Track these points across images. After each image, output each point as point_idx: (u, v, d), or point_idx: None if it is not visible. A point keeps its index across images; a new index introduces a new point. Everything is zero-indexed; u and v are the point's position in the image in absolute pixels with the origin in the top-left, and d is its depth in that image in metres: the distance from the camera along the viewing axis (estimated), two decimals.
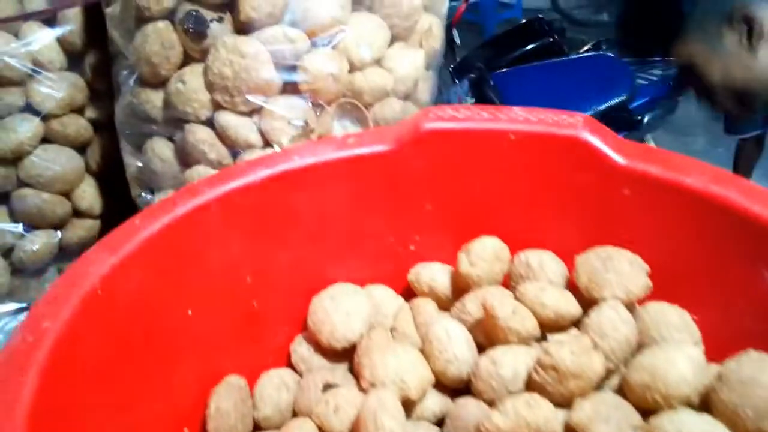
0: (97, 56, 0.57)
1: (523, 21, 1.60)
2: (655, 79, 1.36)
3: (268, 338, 0.46)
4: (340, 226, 0.47)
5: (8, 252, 0.57)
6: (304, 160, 0.44)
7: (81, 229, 0.61)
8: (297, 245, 0.46)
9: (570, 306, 0.38)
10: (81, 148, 0.59)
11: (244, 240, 0.43)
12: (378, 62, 0.51)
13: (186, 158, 0.48)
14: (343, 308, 0.43)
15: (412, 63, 0.54)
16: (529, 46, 1.45)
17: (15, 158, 0.55)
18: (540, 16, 1.59)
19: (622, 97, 1.26)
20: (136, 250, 0.36)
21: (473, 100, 1.30)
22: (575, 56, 1.49)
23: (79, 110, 0.58)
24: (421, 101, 0.57)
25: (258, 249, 0.44)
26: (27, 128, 0.54)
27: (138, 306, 0.36)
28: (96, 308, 0.32)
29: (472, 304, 0.42)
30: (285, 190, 0.44)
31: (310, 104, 0.49)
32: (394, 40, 0.52)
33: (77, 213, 0.60)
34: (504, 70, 1.34)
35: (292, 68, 0.47)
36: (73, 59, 0.57)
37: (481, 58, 1.41)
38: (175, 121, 0.48)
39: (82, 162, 0.59)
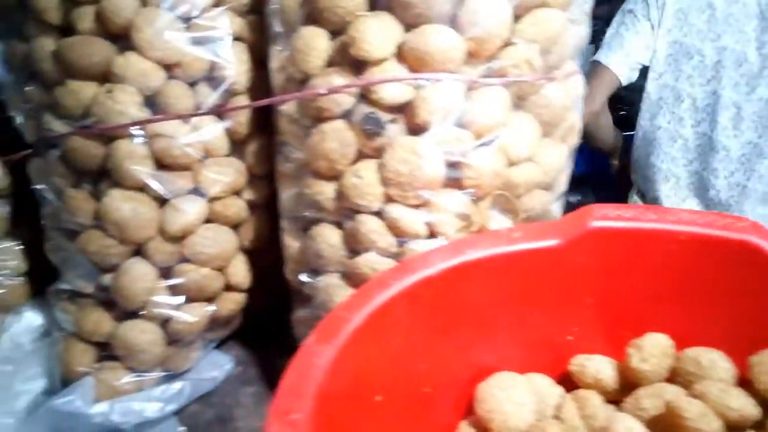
0: (257, 144, 0.62)
1: None
2: None
3: (436, 423, 0.48)
4: (503, 316, 0.49)
5: (165, 323, 0.61)
6: (477, 253, 0.47)
7: (231, 302, 0.64)
8: (464, 334, 0.48)
9: (754, 409, 0.39)
10: (234, 227, 0.63)
11: (422, 329, 0.46)
12: (530, 158, 0.54)
13: (355, 245, 0.52)
14: (514, 399, 0.45)
15: (558, 157, 0.57)
16: None
17: (181, 236, 0.59)
18: None
19: None
20: (348, 341, 0.39)
21: None
22: None
23: (237, 192, 0.62)
24: (559, 191, 0.60)
25: (432, 337, 0.47)
26: (195, 209, 0.59)
27: (350, 393, 0.39)
28: (325, 399, 0.35)
29: (647, 401, 0.43)
30: (458, 282, 0.46)
31: (471, 197, 0.52)
32: (543, 136, 0.55)
33: (228, 287, 0.64)
34: None
35: (457, 164, 0.50)
36: (236, 146, 0.61)
37: None
38: (345, 211, 0.52)
39: (236, 240, 0.63)
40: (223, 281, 0.63)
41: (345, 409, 0.38)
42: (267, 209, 0.66)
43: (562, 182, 0.60)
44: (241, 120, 0.60)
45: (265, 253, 0.66)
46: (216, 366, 0.65)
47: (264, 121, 0.62)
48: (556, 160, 0.57)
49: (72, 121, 0.57)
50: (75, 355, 0.60)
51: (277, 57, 0.57)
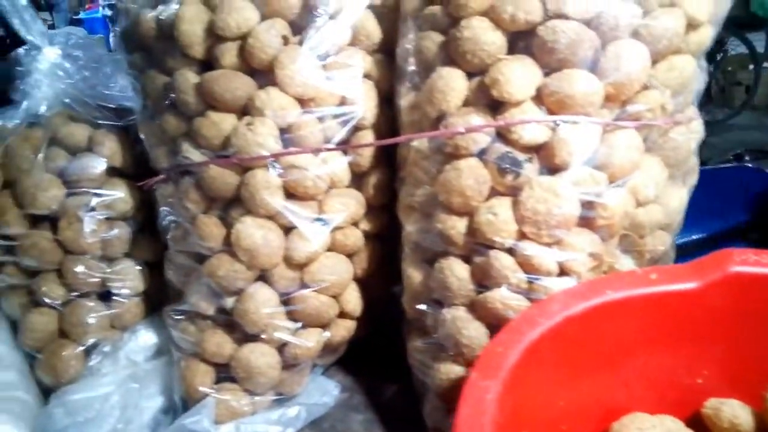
0: (377, 177, 0.64)
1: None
2: None
3: None
4: (636, 356, 0.50)
5: (282, 347, 0.63)
6: (617, 294, 0.48)
7: (343, 329, 0.66)
8: (599, 372, 0.49)
9: None
10: (350, 256, 0.65)
11: (562, 367, 0.47)
12: (656, 199, 0.55)
13: (484, 280, 0.53)
14: None
15: (679, 199, 0.58)
16: None
17: (305, 264, 0.61)
18: None
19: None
20: (508, 377, 0.41)
21: None
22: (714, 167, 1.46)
23: (356, 223, 0.64)
24: (676, 232, 0.61)
25: (570, 375, 0.48)
26: (319, 238, 0.61)
27: (509, 428, 0.40)
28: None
29: None
30: (597, 322, 0.47)
31: (601, 237, 0.53)
32: (667, 178, 0.56)
33: (341, 314, 0.65)
34: None
35: (591, 204, 0.51)
36: (357, 178, 0.64)
37: None
38: (476, 246, 0.53)
39: (352, 269, 0.65)
40: (338, 308, 0.65)
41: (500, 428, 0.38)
42: (379, 240, 0.68)
43: (679, 223, 0.61)
44: (365, 154, 0.63)
45: (374, 283, 0.68)
46: (325, 392, 0.66)
47: (384, 156, 0.64)
48: (678, 202, 0.58)
49: (210, 151, 0.60)
50: (197, 375, 0.62)
51: (406, 95, 0.59)
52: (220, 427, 0.58)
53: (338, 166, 0.61)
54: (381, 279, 0.69)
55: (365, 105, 0.61)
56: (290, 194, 0.60)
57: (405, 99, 0.59)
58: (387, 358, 0.69)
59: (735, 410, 0.47)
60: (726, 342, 0.49)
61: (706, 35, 0.53)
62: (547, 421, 0.46)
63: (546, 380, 0.45)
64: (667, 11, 0.51)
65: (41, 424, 0.61)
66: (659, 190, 0.55)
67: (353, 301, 0.66)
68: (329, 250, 0.63)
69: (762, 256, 0.48)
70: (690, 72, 0.53)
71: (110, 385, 0.64)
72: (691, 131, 0.57)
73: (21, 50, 0.75)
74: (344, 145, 0.61)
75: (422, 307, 0.59)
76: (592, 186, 0.51)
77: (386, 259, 0.68)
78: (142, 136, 0.67)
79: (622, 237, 0.55)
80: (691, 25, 0.52)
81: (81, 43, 0.79)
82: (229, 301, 0.62)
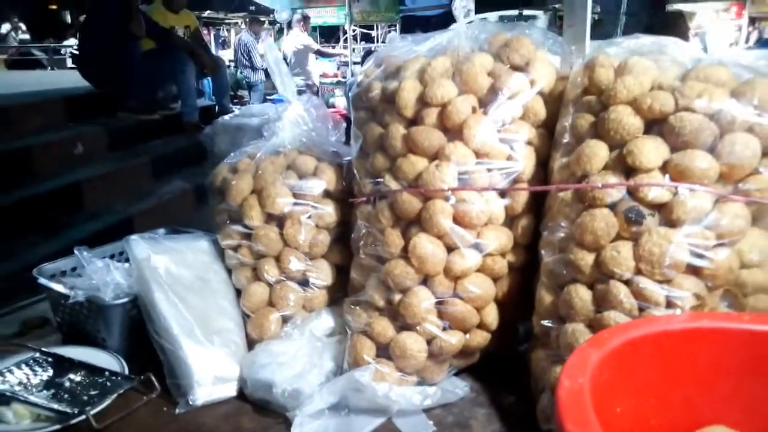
0: (526, 220, 0.82)
1: None
2: None
3: None
4: (726, 380, 0.60)
5: (431, 340, 0.80)
6: (711, 323, 0.60)
7: (480, 337, 0.82)
8: (690, 385, 0.60)
9: None
10: (495, 280, 0.82)
11: (657, 369, 0.59)
12: (760, 265, 0.66)
13: (603, 303, 0.67)
14: None
15: None
16: None
17: (459, 277, 0.79)
18: None
19: None
20: (611, 351, 0.54)
21: None
22: None
23: (503, 254, 0.82)
24: None
25: (664, 379, 0.59)
26: (474, 259, 0.79)
27: (606, 391, 0.53)
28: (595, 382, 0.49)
29: None
30: (691, 343, 0.59)
31: (707, 285, 0.65)
32: None
33: (480, 325, 0.82)
34: None
35: (700, 257, 0.64)
36: (510, 219, 0.82)
37: None
38: (600, 276, 0.68)
39: (495, 290, 0.81)
40: (478, 319, 0.81)
41: (603, 398, 0.52)
42: (519, 272, 0.84)
43: None
44: (519, 201, 0.81)
45: (510, 307, 0.84)
46: (457, 386, 0.81)
47: (534, 205, 0.82)
48: None
49: (405, 182, 0.81)
50: (364, 348, 0.81)
51: (558, 160, 0.77)
52: (378, 384, 0.76)
53: (497, 206, 0.80)
54: (516, 306, 0.84)
55: (525, 164, 0.80)
56: (457, 222, 0.79)
57: (557, 163, 0.77)
58: (511, 373, 0.84)
59: None
60: None
61: None
62: (638, 410, 0.58)
63: (639, 374, 0.58)
64: None
65: (248, 360, 0.83)
66: (763, 258, 0.66)
67: (492, 315, 0.82)
68: (479, 271, 0.80)
69: None
70: None
71: (299, 345, 0.84)
72: None
73: (277, 104, 1.05)
74: (503, 189, 0.79)
75: (548, 323, 0.74)
76: (701, 240, 0.64)
77: (523, 291, 0.84)
78: (354, 170, 0.92)
79: (726, 292, 0.67)
80: None
81: (315, 103, 1.07)
82: (397, 297, 0.81)
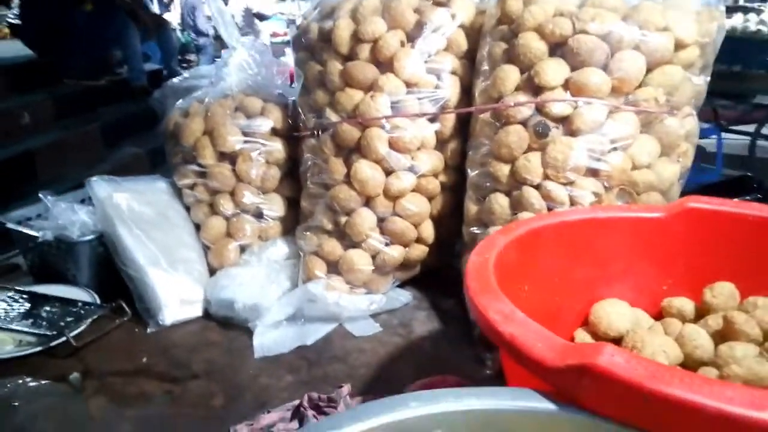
0: (455, 143, 0.91)
1: (732, 176, 1.75)
2: None
3: (560, 325, 0.70)
4: (618, 261, 0.71)
5: (375, 255, 0.89)
6: (604, 213, 0.70)
7: (418, 251, 0.92)
8: (588, 267, 0.71)
9: None
10: (429, 199, 0.91)
11: (559, 254, 0.69)
12: (649, 166, 0.77)
13: (518, 207, 0.78)
14: (618, 311, 0.66)
15: (672, 171, 0.79)
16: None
17: (397, 197, 0.88)
18: (749, 174, 1.73)
19: None
20: (514, 240, 0.64)
21: None
22: None
23: (436, 175, 0.91)
24: (671, 198, 0.82)
25: (565, 262, 0.70)
26: (409, 180, 0.88)
27: (511, 272, 0.62)
28: (500, 261, 0.59)
29: (713, 321, 0.63)
30: (588, 230, 0.70)
31: (604, 185, 0.76)
32: (662, 154, 0.78)
33: (418, 240, 0.92)
34: None
35: (597, 160, 0.75)
36: (441, 143, 0.91)
37: None
38: (515, 183, 0.78)
39: (429, 208, 0.91)
40: (416, 234, 0.91)
41: (511, 277, 0.62)
42: (451, 191, 0.94)
43: (676, 194, 0.82)
44: (447, 125, 0.90)
45: (444, 223, 0.94)
46: (400, 294, 0.92)
47: (461, 129, 0.91)
48: (670, 173, 0.79)
49: (344, 114, 0.89)
50: (315, 266, 0.90)
51: (479, 86, 0.86)
52: (328, 294, 0.86)
53: (428, 131, 0.89)
54: (449, 222, 0.94)
55: (451, 91, 0.89)
56: (393, 147, 0.87)
57: (478, 88, 0.86)
58: (449, 283, 0.94)
59: (682, 302, 0.68)
60: (683, 259, 0.70)
61: (693, 53, 0.76)
62: (544, 289, 0.69)
63: (546, 259, 0.68)
64: (661, 33, 0.75)
65: (211, 283, 0.91)
66: (652, 160, 0.77)
67: (428, 230, 0.92)
68: (415, 191, 0.90)
69: (712, 199, 0.69)
70: (678, 78, 0.76)
71: (257, 269, 0.93)
72: (684, 124, 0.79)
73: (224, 51, 1.10)
74: (432, 115, 0.88)
75: (475, 229, 0.84)
76: (598, 146, 0.75)
77: (456, 210, 0.94)
78: (298, 108, 0.99)
79: (621, 190, 0.77)
80: (680, 45, 0.75)
81: (260, 49, 1.13)
82: (343, 219, 0.90)
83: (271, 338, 0.83)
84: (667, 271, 0.71)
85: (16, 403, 0.70)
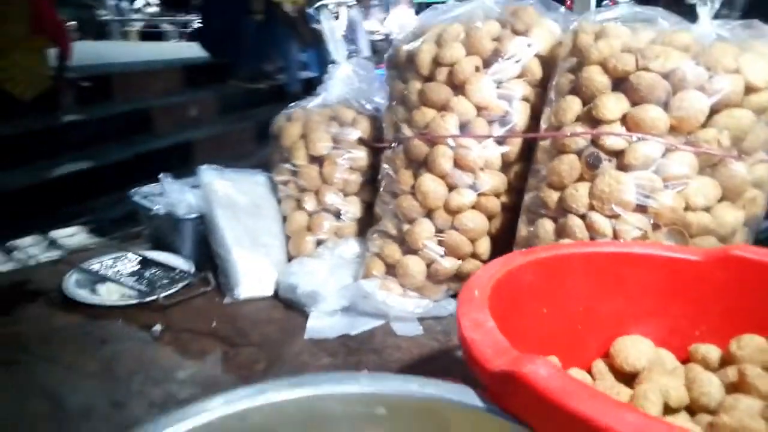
0: (518, 167, 0.94)
1: None
2: None
3: (579, 351, 0.71)
4: (649, 299, 0.71)
5: (430, 264, 0.95)
6: (639, 249, 0.70)
7: (472, 265, 0.96)
8: (616, 301, 0.71)
9: None
10: (489, 217, 0.95)
11: (587, 284, 0.71)
12: (707, 210, 0.75)
13: (561, 233, 0.79)
14: (638, 348, 0.66)
15: (733, 218, 0.76)
16: None
17: (456, 212, 0.93)
18: None
19: None
20: (535, 260, 0.67)
21: None
22: None
23: (497, 195, 0.95)
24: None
25: (592, 292, 0.71)
26: (470, 197, 0.93)
27: (523, 293, 0.65)
28: (508, 277, 0.63)
29: (731, 372, 0.61)
30: (621, 264, 0.70)
31: (651, 222, 0.75)
32: (723, 198, 0.76)
33: (473, 255, 0.96)
34: None
35: (646, 197, 0.75)
36: (505, 165, 0.94)
37: None
38: (561, 211, 0.80)
39: (487, 225, 0.95)
40: (471, 249, 0.95)
41: (527, 295, 0.65)
42: (512, 212, 0.97)
43: (740, 240, 0.78)
44: (514, 149, 0.93)
45: (501, 240, 0.97)
46: (450, 304, 0.96)
47: (526, 154, 0.94)
48: (732, 219, 0.76)
49: (416, 130, 0.96)
50: (375, 266, 0.98)
51: (546, 115, 0.89)
52: (378, 292, 0.93)
53: (493, 153, 0.93)
54: (505, 239, 0.97)
55: (519, 117, 0.92)
56: (457, 164, 0.93)
57: (544, 116, 0.89)
58: None
59: (708, 349, 0.66)
60: (720, 305, 0.68)
61: (765, 98, 0.73)
62: (566, 315, 0.70)
63: (571, 286, 0.70)
64: (730, 75, 0.73)
65: (283, 269, 1.03)
66: (710, 203, 0.75)
67: (484, 246, 0.96)
68: (474, 207, 0.94)
69: (759, 249, 0.67)
70: (746, 122, 0.74)
71: (326, 262, 1.03)
72: (753, 169, 0.76)
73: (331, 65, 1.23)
74: (498, 138, 0.92)
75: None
76: (648, 183, 0.75)
77: (513, 229, 0.97)
78: (384, 122, 1.08)
79: (672, 230, 0.76)
80: (751, 89, 0.73)
81: (363, 65, 1.24)
82: (405, 226, 0.97)
83: (322, 324, 0.92)
84: (701, 316, 0.70)
85: (107, 342, 0.85)
